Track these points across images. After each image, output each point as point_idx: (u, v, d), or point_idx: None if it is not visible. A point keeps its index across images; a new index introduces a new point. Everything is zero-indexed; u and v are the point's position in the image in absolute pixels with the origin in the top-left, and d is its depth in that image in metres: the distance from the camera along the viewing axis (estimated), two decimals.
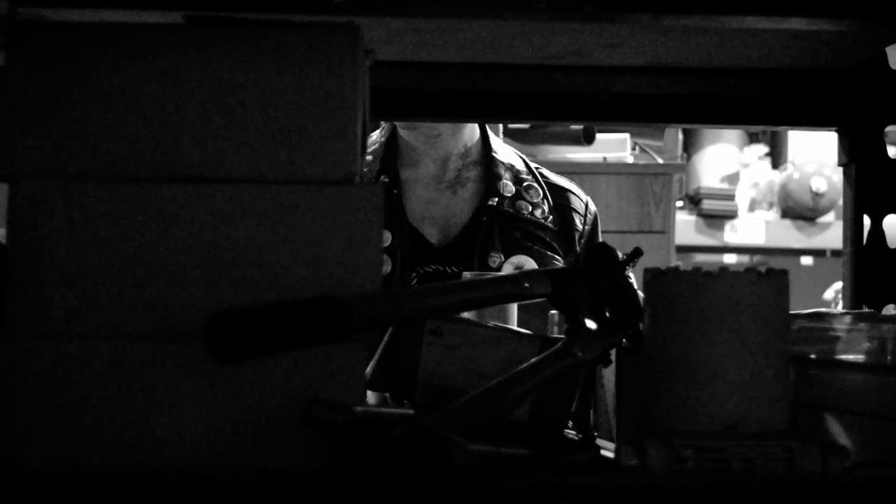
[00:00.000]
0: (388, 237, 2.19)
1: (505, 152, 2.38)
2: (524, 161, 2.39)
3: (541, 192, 2.33)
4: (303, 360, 1.16)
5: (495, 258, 2.22)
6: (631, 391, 1.31)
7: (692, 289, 1.16)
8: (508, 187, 2.31)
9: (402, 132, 2.32)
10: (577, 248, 2.31)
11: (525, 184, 2.33)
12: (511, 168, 2.35)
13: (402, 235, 2.22)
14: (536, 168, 2.39)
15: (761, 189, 5.33)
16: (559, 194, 2.36)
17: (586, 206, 2.38)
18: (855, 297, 1.81)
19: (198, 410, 1.15)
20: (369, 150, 2.31)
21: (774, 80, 1.82)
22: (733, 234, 5.18)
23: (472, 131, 2.34)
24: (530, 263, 2.22)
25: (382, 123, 2.35)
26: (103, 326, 1.16)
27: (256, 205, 1.18)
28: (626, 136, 3.92)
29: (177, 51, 1.19)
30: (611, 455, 1.20)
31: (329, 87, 1.19)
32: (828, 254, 5.24)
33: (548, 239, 2.28)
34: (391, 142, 2.34)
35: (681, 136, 4.46)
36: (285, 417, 1.15)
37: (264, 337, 1.13)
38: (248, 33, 1.20)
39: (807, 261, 5.32)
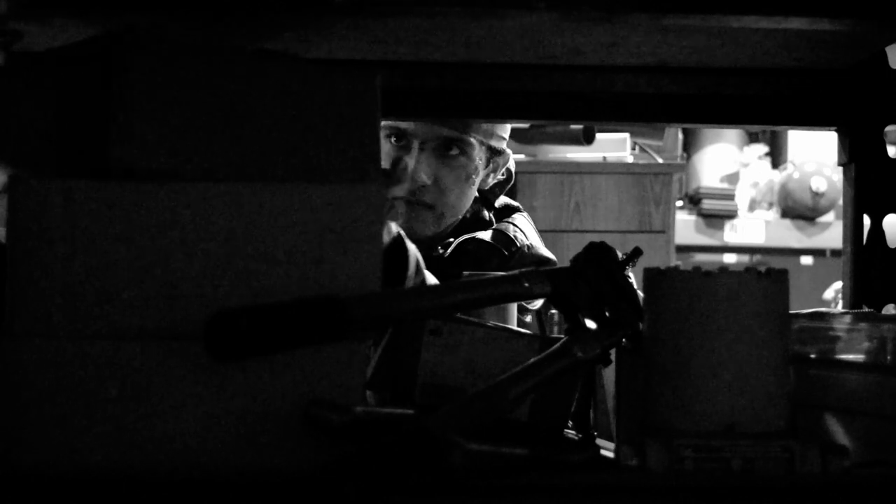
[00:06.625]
0: None
1: None
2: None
3: None
4: (302, 360, 1.16)
5: None
6: (631, 391, 1.31)
7: (692, 289, 1.16)
8: None
9: None
10: None
11: None
12: None
13: None
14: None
15: (761, 189, 5.33)
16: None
17: None
18: (855, 296, 1.80)
19: (197, 410, 1.15)
20: None
21: (774, 80, 1.82)
22: (733, 233, 5.18)
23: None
24: None
25: None
26: (103, 326, 1.16)
27: (256, 204, 1.18)
28: (626, 135, 3.92)
29: (191, 59, 1.20)
30: (611, 455, 1.20)
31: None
32: (828, 254, 5.25)
33: None
34: None
35: (681, 135, 4.46)
36: (285, 417, 1.15)
37: (263, 337, 1.13)
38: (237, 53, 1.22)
39: (807, 260, 5.32)
